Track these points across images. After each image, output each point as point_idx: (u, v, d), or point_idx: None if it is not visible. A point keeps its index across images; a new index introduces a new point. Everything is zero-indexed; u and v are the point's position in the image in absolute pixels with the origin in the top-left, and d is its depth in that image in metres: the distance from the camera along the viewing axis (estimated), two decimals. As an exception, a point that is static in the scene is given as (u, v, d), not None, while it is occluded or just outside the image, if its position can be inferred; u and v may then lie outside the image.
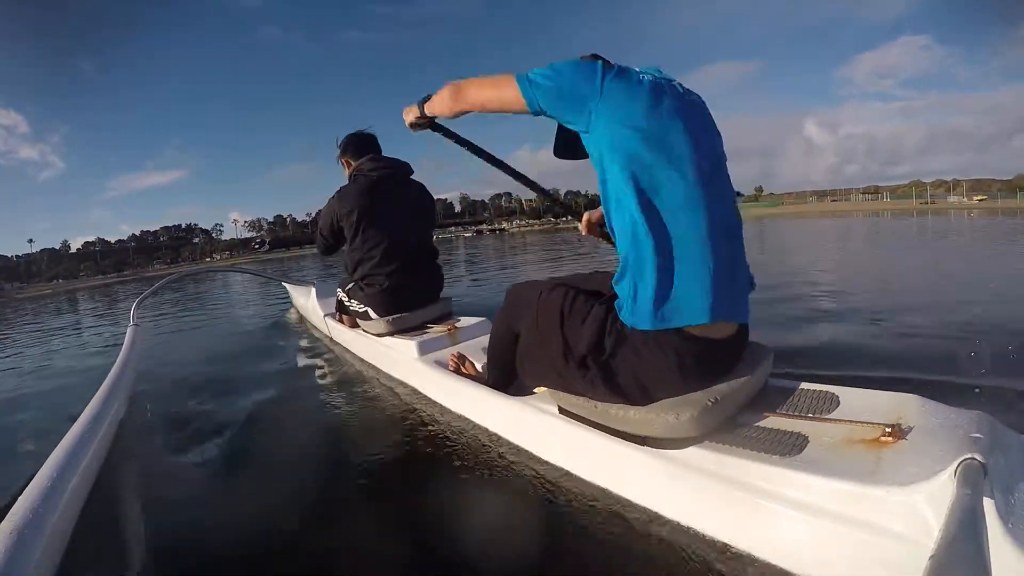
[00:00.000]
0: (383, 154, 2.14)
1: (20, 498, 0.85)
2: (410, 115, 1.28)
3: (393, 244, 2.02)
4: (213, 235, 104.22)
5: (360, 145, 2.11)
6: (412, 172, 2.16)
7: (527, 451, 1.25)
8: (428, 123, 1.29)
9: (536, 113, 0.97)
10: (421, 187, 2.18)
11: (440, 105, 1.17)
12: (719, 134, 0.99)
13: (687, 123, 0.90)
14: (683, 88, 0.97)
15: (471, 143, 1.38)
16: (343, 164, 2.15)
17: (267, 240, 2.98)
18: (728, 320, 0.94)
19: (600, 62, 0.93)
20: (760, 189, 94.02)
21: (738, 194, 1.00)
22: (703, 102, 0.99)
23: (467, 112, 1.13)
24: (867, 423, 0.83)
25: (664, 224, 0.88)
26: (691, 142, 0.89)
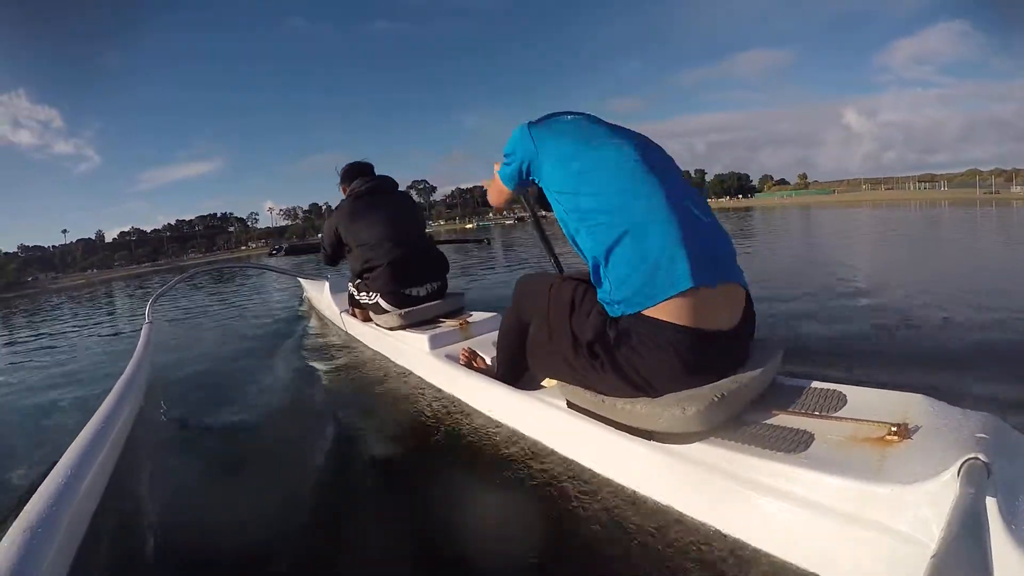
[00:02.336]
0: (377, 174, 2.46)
1: (33, 497, 0.83)
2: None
3: (389, 233, 2.20)
4: (248, 224, 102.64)
5: (354, 172, 2.40)
6: (398, 186, 2.48)
7: (535, 444, 1.27)
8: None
9: (518, 189, 1.20)
10: (405, 194, 2.51)
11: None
12: (659, 147, 1.10)
13: (614, 134, 1.05)
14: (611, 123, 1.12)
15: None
16: (342, 190, 2.43)
17: (284, 246, 3.25)
18: (717, 281, 0.93)
19: (527, 123, 1.12)
20: (804, 176, 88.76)
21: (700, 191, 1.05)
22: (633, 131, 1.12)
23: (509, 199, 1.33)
24: (873, 422, 0.83)
25: (613, 217, 0.96)
26: (623, 145, 1.02)
